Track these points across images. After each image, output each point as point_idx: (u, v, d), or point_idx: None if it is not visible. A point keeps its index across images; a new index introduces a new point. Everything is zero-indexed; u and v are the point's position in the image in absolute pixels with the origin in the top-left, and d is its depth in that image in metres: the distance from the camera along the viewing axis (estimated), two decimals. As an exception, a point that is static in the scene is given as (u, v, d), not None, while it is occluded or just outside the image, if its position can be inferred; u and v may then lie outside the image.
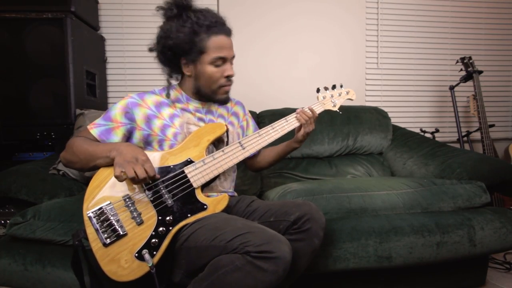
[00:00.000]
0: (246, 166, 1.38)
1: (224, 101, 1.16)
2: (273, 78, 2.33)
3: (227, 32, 1.09)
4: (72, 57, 1.72)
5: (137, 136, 1.07)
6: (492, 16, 2.56)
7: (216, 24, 1.06)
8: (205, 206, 0.98)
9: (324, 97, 1.27)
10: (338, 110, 1.28)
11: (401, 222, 1.21)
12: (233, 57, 1.12)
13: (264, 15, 2.31)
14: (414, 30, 2.48)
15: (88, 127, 1.04)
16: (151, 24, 2.20)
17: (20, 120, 1.71)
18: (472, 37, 2.55)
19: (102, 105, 2.06)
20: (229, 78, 1.11)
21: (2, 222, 1.47)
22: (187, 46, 1.04)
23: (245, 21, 2.28)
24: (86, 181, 1.50)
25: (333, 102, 1.27)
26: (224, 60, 1.08)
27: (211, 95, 1.13)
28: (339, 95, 1.29)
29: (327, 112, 1.31)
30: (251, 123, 1.34)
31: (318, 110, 1.23)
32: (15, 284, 1.13)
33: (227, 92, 1.14)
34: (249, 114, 1.35)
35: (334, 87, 1.29)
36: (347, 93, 1.31)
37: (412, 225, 1.20)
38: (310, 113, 1.18)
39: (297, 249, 0.91)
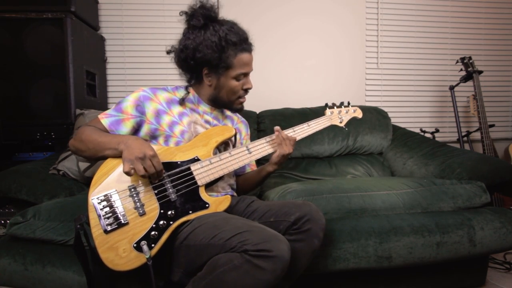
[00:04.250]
0: None
1: (238, 111, 1.21)
2: (273, 78, 2.33)
3: (251, 49, 1.14)
4: (72, 57, 1.72)
5: (144, 130, 1.09)
6: (492, 16, 2.57)
7: (243, 42, 1.10)
8: (207, 205, 0.99)
9: (331, 112, 1.31)
10: (344, 127, 1.32)
11: (401, 222, 1.21)
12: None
13: (263, 15, 2.31)
14: (414, 30, 2.48)
15: (99, 116, 1.06)
16: (151, 24, 2.22)
17: (20, 120, 1.71)
18: (472, 37, 2.55)
19: (102, 105, 2.06)
20: (247, 90, 1.16)
21: (2, 222, 1.47)
22: (215, 61, 1.07)
23: (245, 21, 2.27)
24: (86, 181, 1.50)
25: (340, 118, 1.31)
26: (246, 75, 1.14)
27: (228, 104, 1.17)
28: (346, 112, 1.33)
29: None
30: None
31: (325, 124, 1.28)
32: (15, 284, 1.13)
33: (242, 103, 1.19)
34: (249, 135, 1.38)
35: (341, 104, 1.33)
36: (354, 111, 1.35)
37: (412, 225, 1.20)
38: (285, 134, 1.16)
39: (297, 250, 0.91)
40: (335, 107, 1.31)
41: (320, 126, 1.26)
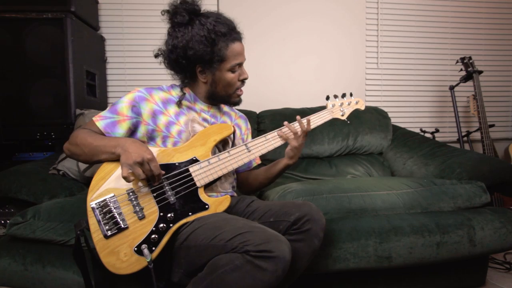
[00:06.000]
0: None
1: (237, 103, 1.18)
2: (273, 79, 2.33)
3: (241, 37, 1.11)
4: (72, 57, 1.72)
5: (141, 130, 1.07)
6: (492, 16, 2.57)
7: (232, 31, 1.07)
8: (206, 206, 0.99)
9: (333, 105, 1.26)
10: (346, 120, 1.28)
11: (401, 222, 1.21)
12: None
13: (264, 16, 2.31)
14: (414, 30, 2.48)
15: (94, 118, 1.04)
16: (151, 24, 2.22)
17: (20, 120, 1.71)
18: (472, 37, 2.55)
19: (102, 105, 2.06)
20: (244, 81, 1.14)
21: (2, 222, 1.47)
22: (208, 56, 1.04)
23: (246, 22, 2.26)
24: (86, 181, 1.50)
25: (342, 110, 1.27)
26: (240, 65, 1.11)
27: (226, 98, 1.15)
28: (349, 104, 1.28)
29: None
30: (251, 139, 1.32)
31: (327, 118, 1.23)
32: (15, 284, 1.13)
33: (240, 96, 1.16)
34: (250, 130, 1.35)
35: (344, 95, 1.28)
36: (357, 102, 1.30)
37: (412, 225, 1.20)
38: (295, 127, 1.15)
39: (297, 250, 0.91)
40: (336, 99, 1.27)
41: (321, 120, 1.22)
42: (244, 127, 1.30)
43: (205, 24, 1.03)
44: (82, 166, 1.49)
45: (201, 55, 1.03)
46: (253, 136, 1.33)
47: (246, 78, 1.14)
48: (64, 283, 1.11)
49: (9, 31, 1.69)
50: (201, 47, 1.02)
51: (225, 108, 1.27)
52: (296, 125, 1.16)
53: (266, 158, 1.72)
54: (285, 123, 1.16)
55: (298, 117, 1.16)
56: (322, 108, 1.27)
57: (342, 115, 1.27)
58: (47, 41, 1.71)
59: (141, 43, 2.22)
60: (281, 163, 1.20)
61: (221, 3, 2.26)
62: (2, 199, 1.34)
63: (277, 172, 1.22)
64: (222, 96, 1.14)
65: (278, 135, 1.15)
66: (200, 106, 1.16)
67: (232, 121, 1.26)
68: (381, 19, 2.44)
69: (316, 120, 1.21)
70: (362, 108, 1.31)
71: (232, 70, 1.09)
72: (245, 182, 1.29)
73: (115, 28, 2.22)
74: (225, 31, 1.05)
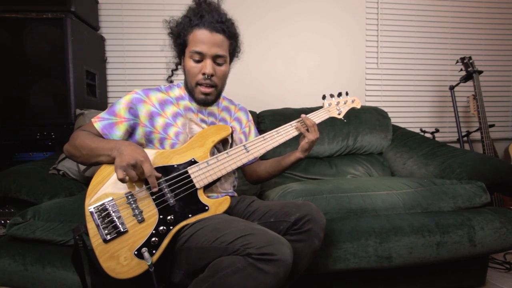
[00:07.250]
0: (244, 177, 1.33)
1: (202, 103, 1.13)
2: (273, 78, 2.33)
3: (213, 27, 1.03)
4: (72, 57, 1.72)
5: (139, 132, 1.07)
6: (492, 16, 2.57)
7: (202, 18, 1.03)
8: (206, 207, 0.99)
9: (329, 104, 1.27)
10: (343, 118, 1.29)
11: (401, 222, 1.21)
12: (218, 56, 1.06)
13: (264, 16, 2.31)
14: (414, 30, 2.48)
15: (92, 120, 1.04)
16: (151, 24, 2.22)
17: (20, 120, 1.71)
18: (472, 37, 2.55)
19: (102, 105, 2.06)
20: (206, 76, 1.06)
21: (2, 222, 1.47)
22: (173, 38, 1.09)
23: (246, 22, 2.27)
24: (86, 181, 1.50)
25: (338, 109, 1.27)
26: (202, 55, 1.05)
27: (192, 92, 1.12)
28: (345, 103, 1.29)
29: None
30: (253, 130, 1.33)
31: (324, 117, 1.23)
32: (15, 284, 1.13)
33: (203, 94, 1.10)
34: (252, 121, 1.33)
35: (340, 94, 1.29)
36: (353, 101, 1.31)
37: (412, 225, 1.20)
38: (313, 120, 1.16)
39: (297, 250, 0.91)
40: (333, 98, 1.28)
41: (319, 119, 1.21)
42: (244, 119, 1.29)
43: (194, 9, 1.07)
44: (82, 166, 1.49)
45: (171, 35, 1.09)
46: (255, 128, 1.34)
47: (206, 73, 1.05)
48: (64, 283, 1.11)
49: (9, 31, 1.69)
50: (173, 26, 1.09)
51: (224, 102, 1.25)
52: (311, 118, 1.17)
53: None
54: (303, 115, 1.16)
55: (303, 115, 1.17)
56: (321, 108, 1.28)
57: (339, 114, 1.28)
58: (47, 41, 1.71)
59: (141, 43, 2.22)
60: (293, 156, 1.19)
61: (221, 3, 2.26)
62: (2, 199, 1.34)
63: (288, 165, 1.21)
64: (190, 89, 1.12)
65: (295, 127, 1.16)
66: (197, 105, 1.15)
67: (231, 116, 1.24)
68: (381, 19, 2.44)
69: (314, 118, 1.21)
70: (358, 106, 1.32)
71: (192, 57, 1.06)
72: (254, 173, 1.28)
73: (115, 28, 2.22)
74: (195, 17, 1.04)
